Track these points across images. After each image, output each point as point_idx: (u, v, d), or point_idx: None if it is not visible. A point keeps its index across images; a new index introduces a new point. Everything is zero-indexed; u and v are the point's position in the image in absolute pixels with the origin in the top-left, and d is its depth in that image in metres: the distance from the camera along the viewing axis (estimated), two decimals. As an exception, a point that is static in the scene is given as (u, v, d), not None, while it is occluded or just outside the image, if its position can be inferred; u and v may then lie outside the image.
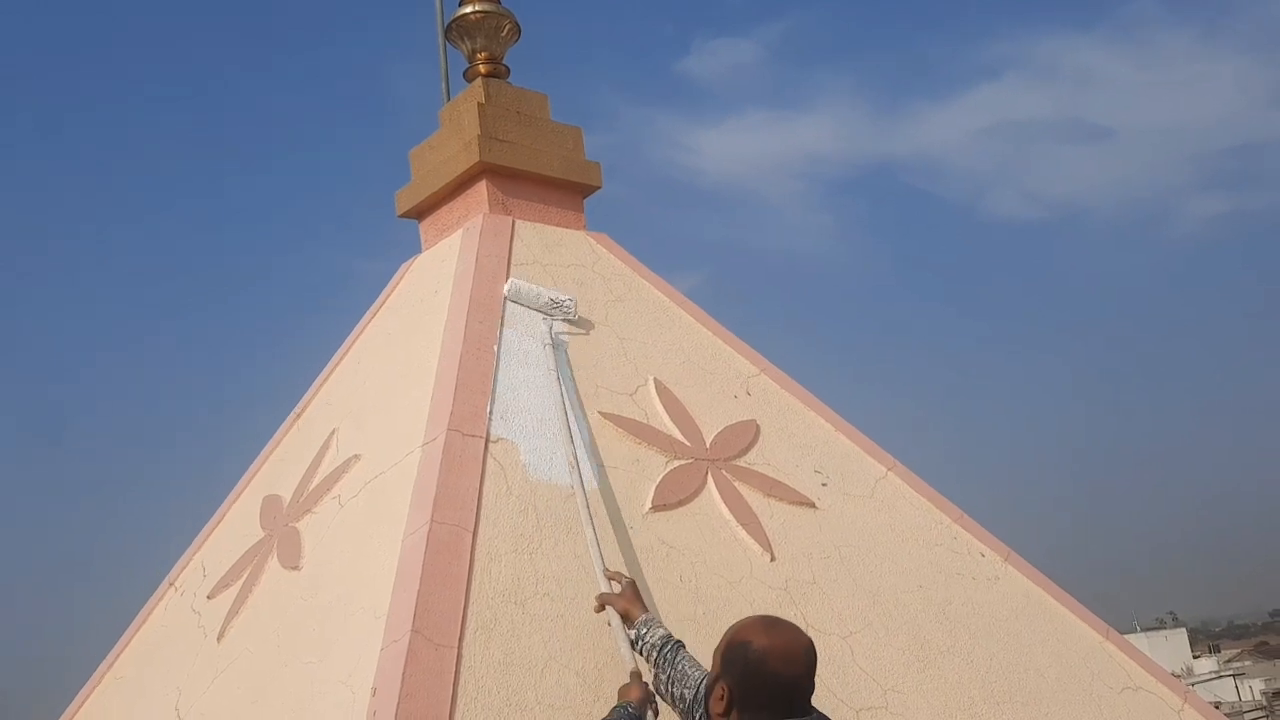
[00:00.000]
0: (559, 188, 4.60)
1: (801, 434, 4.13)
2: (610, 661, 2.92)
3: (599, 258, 4.48)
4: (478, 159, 4.35)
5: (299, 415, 4.47)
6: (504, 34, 4.65)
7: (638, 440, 3.67)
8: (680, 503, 3.55)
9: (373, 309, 4.64)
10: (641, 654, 2.71)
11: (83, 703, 4.22)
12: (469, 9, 4.60)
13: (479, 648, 2.86)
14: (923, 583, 3.78)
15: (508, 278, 4.02)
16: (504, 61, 4.70)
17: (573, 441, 3.39)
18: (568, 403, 3.54)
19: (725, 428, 3.92)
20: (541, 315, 3.90)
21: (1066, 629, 3.97)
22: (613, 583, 2.94)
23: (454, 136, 4.53)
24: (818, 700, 2.24)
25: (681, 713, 2.54)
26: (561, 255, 4.36)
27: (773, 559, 3.53)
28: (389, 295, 4.63)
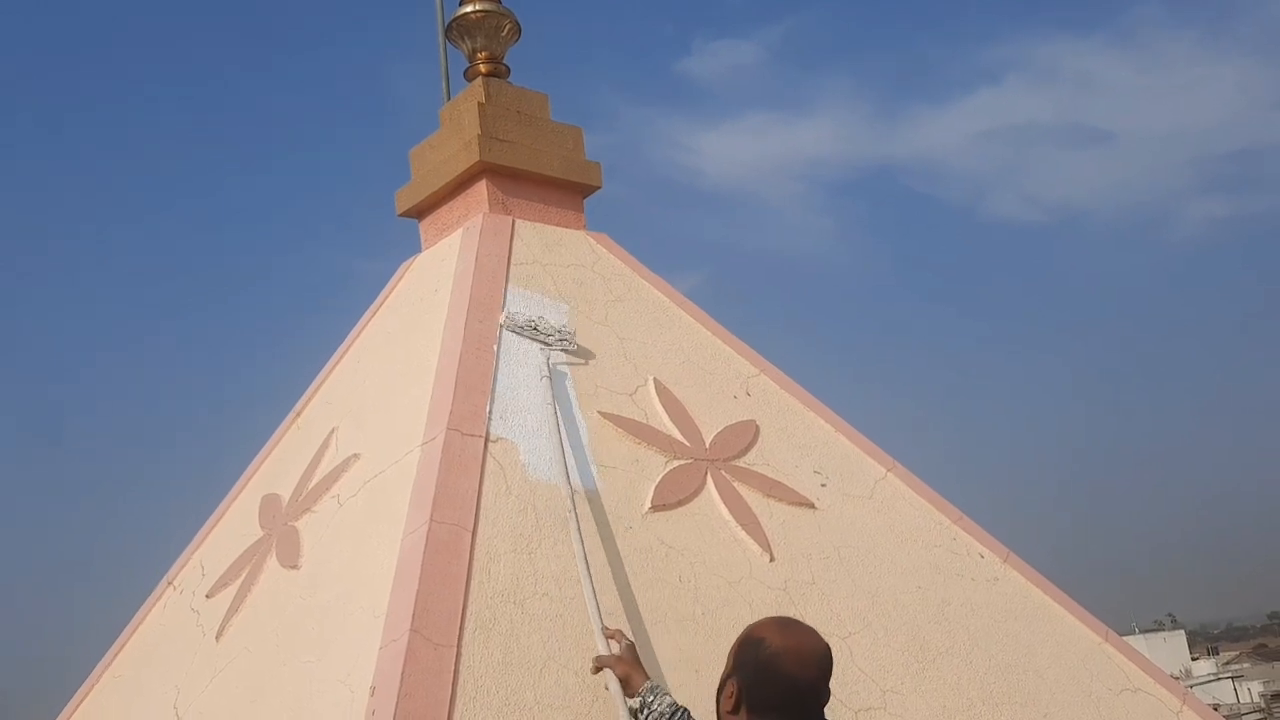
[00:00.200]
0: (559, 187, 4.60)
1: (801, 434, 4.13)
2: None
3: (599, 258, 4.48)
4: (478, 158, 4.35)
5: (298, 414, 4.47)
6: (504, 33, 4.65)
7: (637, 440, 3.67)
8: (679, 503, 3.55)
9: (372, 308, 4.64)
10: None
11: (81, 702, 4.22)
12: (469, 8, 4.60)
13: (478, 647, 2.85)
14: (922, 583, 3.78)
15: (507, 282, 4.01)
16: (504, 61, 4.70)
17: (571, 497, 3.20)
18: (567, 446, 3.37)
19: (725, 428, 3.92)
20: (539, 345, 3.77)
21: (1065, 630, 3.97)
22: (611, 642, 2.76)
23: (454, 136, 4.53)
24: (818, 701, 2.21)
25: None
26: (561, 255, 4.36)
27: (772, 559, 3.53)
28: (388, 294, 4.63)
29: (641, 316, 4.28)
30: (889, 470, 4.19)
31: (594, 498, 3.40)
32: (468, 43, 4.65)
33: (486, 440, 3.40)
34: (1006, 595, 3.96)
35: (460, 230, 4.40)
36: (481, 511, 3.18)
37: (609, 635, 2.78)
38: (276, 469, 4.26)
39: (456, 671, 2.77)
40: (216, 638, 3.64)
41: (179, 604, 4.13)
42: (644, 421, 3.77)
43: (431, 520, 3.06)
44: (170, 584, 4.34)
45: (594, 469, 3.50)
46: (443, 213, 4.63)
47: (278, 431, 4.50)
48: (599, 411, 3.70)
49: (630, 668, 2.64)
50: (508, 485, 3.31)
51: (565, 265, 4.31)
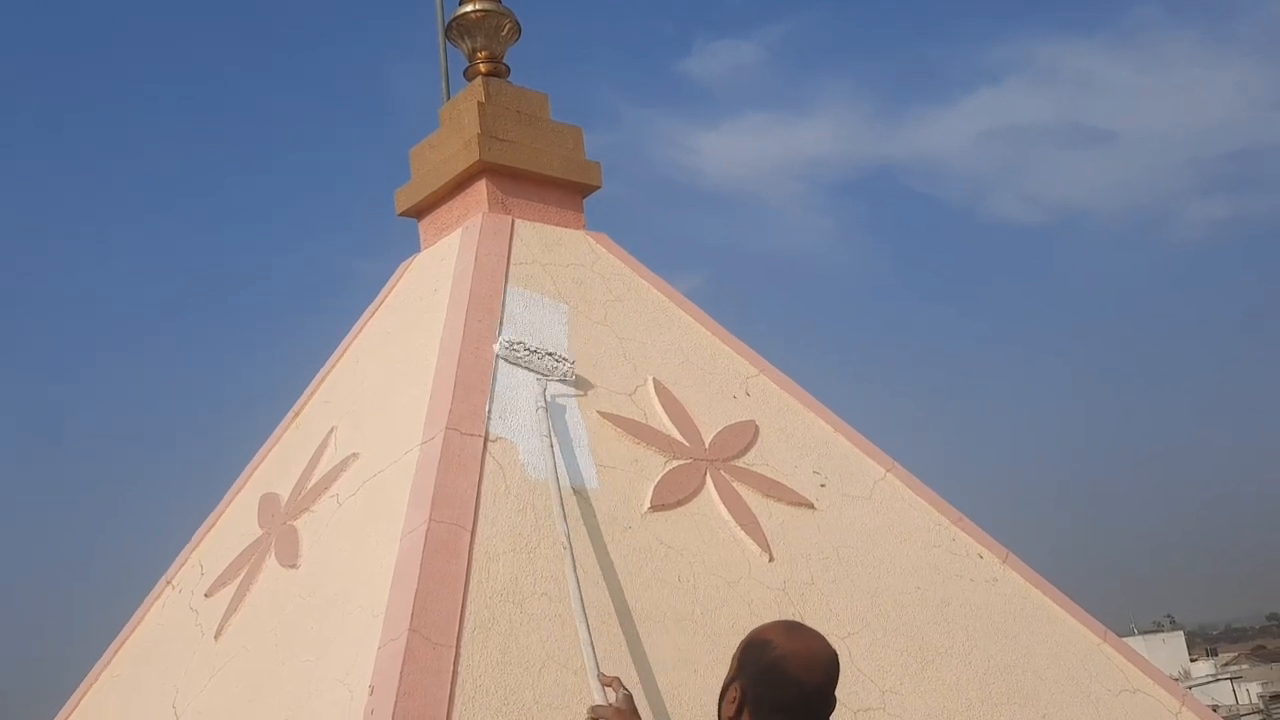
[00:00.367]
0: (559, 187, 4.60)
1: (800, 435, 4.13)
2: (609, 661, 2.92)
3: (598, 257, 4.48)
4: (477, 158, 4.35)
5: (297, 414, 4.47)
6: (504, 33, 4.65)
7: (636, 440, 3.67)
8: (679, 503, 3.55)
9: (371, 308, 4.64)
10: None
11: (80, 701, 4.22)
12: (469, 8, 4.60)
13: (477, 647, 2.85)
14: (921, 584, 3.78)
15: (506, 282, 4.01)
16: (504, 61, 4.70)
17: (565, 518, 3.11)
18: (559, 472, 3.27)
19: (724, 428, 3.92)
20: (535, 376, 3.64)
21: (1064, 631, 3.97)
22: (608, 690, 2.60)
23: (454, 135, 4.53)
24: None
25: None
26: (561, 255, 4.36)
27: (771, 560, 3.53)
28: (388, 294, 4.63)
29: (641, 316, 4.28)
30: (888, 470, 4.19)
31: (593, 497, 3.40)
32: (467, 42, 4.65)
33: (485, 440, 3.39)
34: (1006, 596, 3.96)
35: (460, 230, 4.40)
36: (480, 511, 3.18)
37: (606, 683, 2.62)
38: (275, 468, 4.26)
39: (455, 671, 2.77)
40: (215, 637, 3.64)
41: (178, 603, 4.13)
42: (643, 421, 3.76)
43: (430, 520, 3.06)
44: (169, 583, 4.34)
45: (593, 469, 3.49)
46: (442, 212, 4.62)
47: (277, 431, 4.50)
48: (598, 411, 3.70)
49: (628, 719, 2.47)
50: (507, 485, 3.31)
51: (565, 265, 4.31)
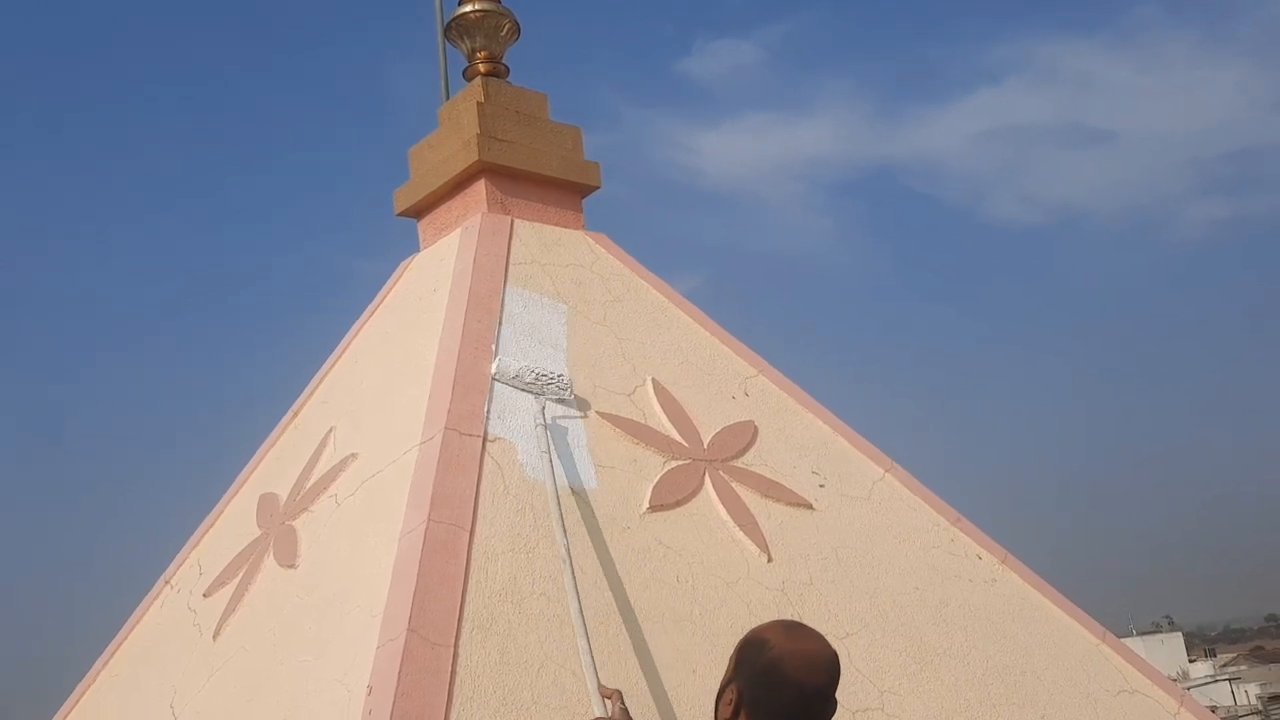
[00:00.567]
0: (558, 187, 4.60)
1: (799, 435, 4.13)
2: (608, 661, 2.92)
3: (597, 258, 4.48)
4: (476, 158, 4.34)
5: (296, 414, 4.47)
6: (503, 33, 4.65)
7: (635, 440, 3.67)
8: (678, 503, 3.55)
9: (370, 308, 4.64)
10: None
11: (78, 700, 4.21)
12: (469, 8, 4.60)
13: (475, 647, 2.85)
14: (920, 584, 3.78)
15: (505, 282, 4.01)
16: (503, 61, 4.70)
17: (565, 533, 3.10)
18: (558, 487, 3.24)
19: (723, 428, 3.92)
20: (532, 395, 3.58)
21: (1063, 632, 3.97)
22: (607, 701, 2.59)
23: (453, 135, 4.53)
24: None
25: None
26: (560, 255, 4.35)
27: (770, 560, 3.52)
28: (387, 294, 4.63)
29: (640, 317, 4.28)
30: (887, 471, 4.19)
31: (592, 498, 3.40)
32: (467, 42, 4.65)
33: (484, 440, 3.39)
34: (1004, 596, 3.96)
35: (459, 230, 4.40)
36: (479, 511, 3.18)
37: (606, 695, 2.60)
38: (274, 468, 4.26)
39: (454, 671, 2.77)
40: (213, 637, 3.64)
41: (176, 603, 4.13)
42: (642, 422, 3.76)
43: (429, 520, 3.06)
44: (168, 583, 4.33)
45: (592, 469, 3.49)
46: (441, 212, 4.62)
47: (275, 431, 4.50)
48: (597, 412, 3.70)
49: None
50: (505, 485, 3.30)
51: (564, 265, 4.31)
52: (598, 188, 4.71)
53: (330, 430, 4.03)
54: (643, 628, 3.12)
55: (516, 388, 3.59)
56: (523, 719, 2.78)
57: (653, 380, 3.96)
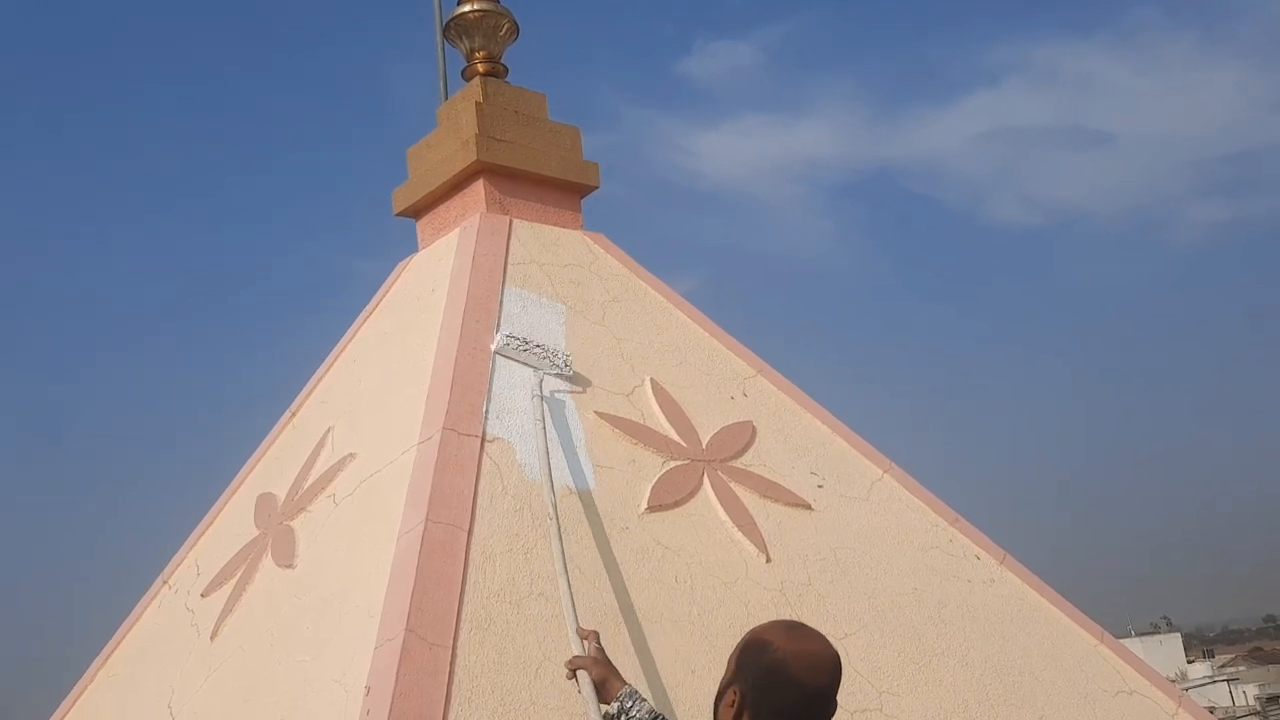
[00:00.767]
0: (557, 187, 4.60)
1: (798, 435, 4.13)
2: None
3: (596, 258, 4.48)
4: (475, 158, 4.34)
5: (294, 414, 4.46)
6: (502, 33, 4.65)
7: (634, 440, 3.67)
8: (676, 504, 3.55)
9: (369, 308, 4.64)
10: None
11: (76, 700, 4.21)
12: (467, 8, 4.59)
13: (473, 647, 2.85)
14: (918, 585, 3.78)
15: (504, 282, 4.01)
16: (502, 61, 4.69)
17: (554, 494, 3.16)
18: (550, 455, 3.30)
19: (722, 429, 3.92)
20: (531, 369, 3.65)
21: (1061, 632, 3.97)
22: (585, 642, 2.61)
23: (452, 135, 4.52)
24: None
25: None
26: (559, 255, 4.35)
27: (768, 560, 3.52)
28: (385, 294, 4.63)
29: (639, 317, 4.27)
30: (885, 471, 4.18)
31: (590, 498, 3.40)
32: (466, 42, 4.64)
33: (483, 440, 3.39)
34: (1003, 597, 3.96)
35: (457, 230, 4.39)
36: (477, 511, 3.17)
37: (584, 636, 2.64)
38: (272, 468, 4.26)
39: (452, 671, 2.77)
40: (211, 637, 3.64)
41: (174, 603, 4.12)
42: (641, 422, 3.76)
43: (427, 520, 3.05)
44: (165, 583, 4.33)
45: (591, 469, 3.49)
46: (440, 212, 4.62)
47: (273, 431, 4.50)
48: (596, 412, 3.69)
49: (607, 671, 2.48)
50: (504, 485, 3.30)
51: (562, 265, 4.31)
52: (597, 188, 4.71)
53: (328, 430, 4.02)
54: (641, 628, 3.12)
55: (516, 360, 3.65)
56: (521, 719, 2.78)
57: (651, 380, 3.96)
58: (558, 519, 3.07)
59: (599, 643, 2.59)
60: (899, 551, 3.87)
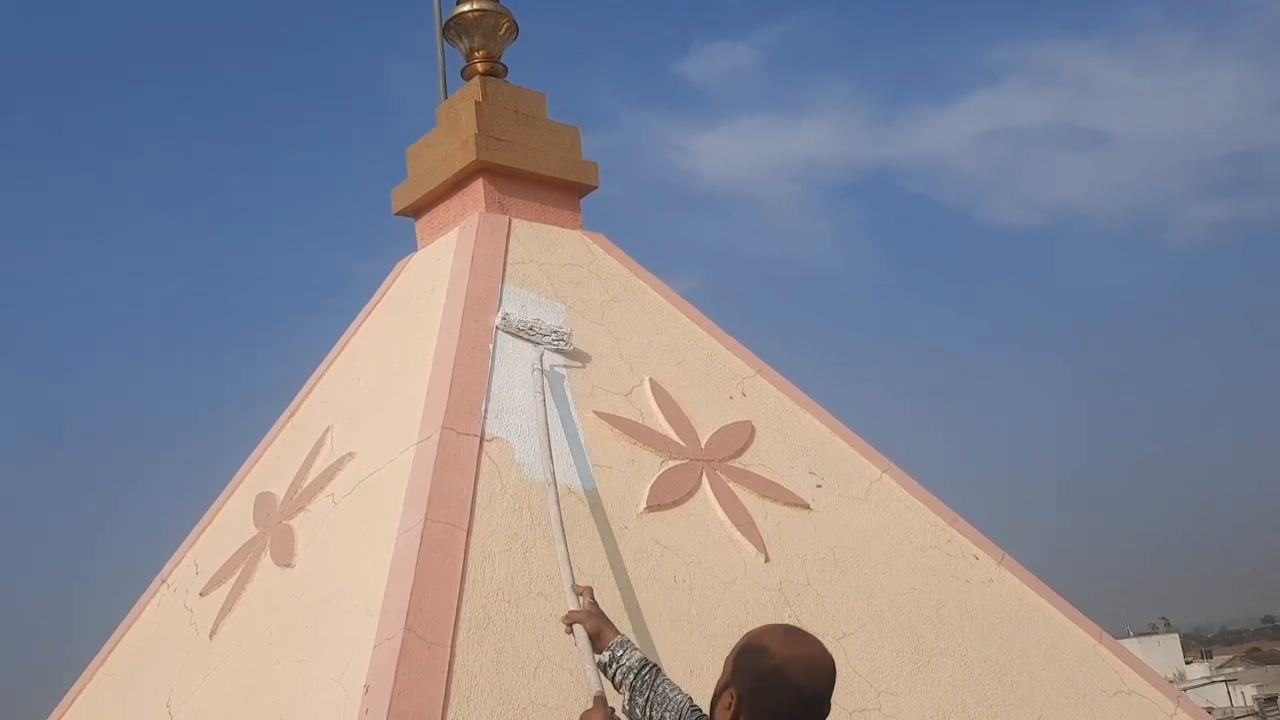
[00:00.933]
0: (556, 187, 4.60)
1: (797, 435, 4.13)
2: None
3: (595, 257, 4.48)
4: (475, 157, 4.34)
5: (293, 413, 4.46)
6: (502, 33, 4.65)
7: (633, 440, 3.67)
8: (675, 503, 3.55)
9: (368, 307, 4.63)
10: (615, 678, 2.49)
11: (75, 699, 4.21)
12: (467, 7, 4.59)
13: (472, 646, 2.85)
14: (917, 585, 3.78)
15: (503, 281, 4.01)
16: (502, 60, 4.69)
17: (551, 458, 3.25)
18: (549, 425, 3.39)
19: (720, 428, 3.92)
20: (532, 344, 3.75)
21: (1060, 632, 3.97)
22: (580, 598, 2.73)
23: (451, 135, 4.52)
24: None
25: None
26: (558, 255, 4.35)
27: (767, 560, 3.52)
28: (384, 293, 4.63)
29: (638, 317, 4.28)
30: (884, 472, 4.19)
31: (589, 497, 3.40)
32: (465, 42, 4.64)
33: (482, 439, 3.39)
34: (1001, 597, 3.96)
35: (456, 229, 4.39)
36: (476, 511, 3.17)
37: (579, 592, 2.76)
38: (271, 467, 4.26)
39: (450, 671, 2.77)
40: (210, 636, 3.63)
41: (173, 602, 4.12)
42: (640, 422, 3.76)
43: (426, 519, 3.05)
44: (164, 582, 4.33)
45: (590, 469, 3.49)
46: (439, 211, 4.62)
47: (273, 430, 4.50)
48: (595, 411, 3.69)
49: (601, 623, 2.61)
50: (503, 485, 3.30)
51: (561, 265, 4.31)
52: (596, 188, 4.71)
53: (327, 429, 4.02)
54: (640, 627, 3.12)
55: (518, 337, 3.75)
56: (519, 719, 2.78)
57: (650, 380, 3.96)
58: (555, 486, 3.16)
59: (593, 597, 2.72)
60: (897, 551, 3.87)
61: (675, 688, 2.43)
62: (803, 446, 4.09)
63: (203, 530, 4.39)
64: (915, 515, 4.08)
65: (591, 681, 2.52)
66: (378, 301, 4.62)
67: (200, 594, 3.93)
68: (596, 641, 2.57)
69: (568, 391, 3.72)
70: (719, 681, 2.09)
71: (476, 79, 4.57)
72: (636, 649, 2.52)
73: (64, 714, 4.18)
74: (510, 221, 4.35)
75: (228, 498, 4.41)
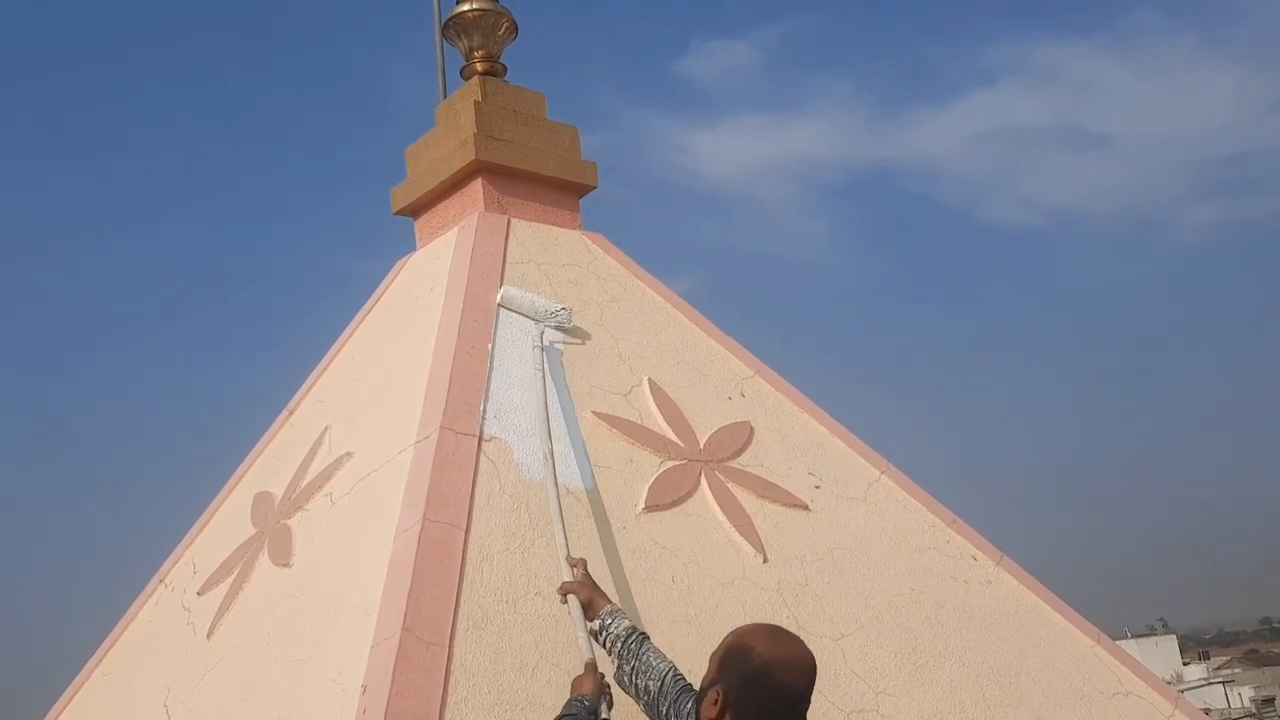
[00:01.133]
0: (555, 187, 4.59)
1: (795, 436, 4.13)
2: (603, 661, 2.91)
3: (594, 257, 4.47)
4: (474, 157, 4.34)
5: (291, 412, 4.46)
6: (501, 32, 4.65)
7: (631, 440, 3.67)
8: (673, 504, 3.55)
9: (366, 306, 4.63)
10: (605, 645, 2.63)
11: (71, 699, 4.20)
12: (466, 6, 4.59)
13: (470, 646, 2.85)
14: (915, 586, 3.78)
15: (501, 281, 4.00)
16: (501, 60, 4.69)
17: (550, 437, 3.32)
18: (548, 400, 3.46)
19: (719, 429, 3.92)
20: (533, 321, 3.81)
21: (1058, 634, 3.97)
22: (574, 569, 2.86)
23: (450, 134, 4.52)
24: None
25: (645, 705, 2.46)
26: (557, 255, 4.35)
27: (765, 561, 3.52)
28: (383, 293, 4.62)
29: (636, 317, 4.27)
30: (883, 472, 4.19)
31: (588, 497, 3.40)
32: (464, 41, 4.64)
33: (480, 439, 3.39)
34: (1000, 598, 3.96)
35: (455, 229, 4.39)
36: (474, 511, 3.17)
37: (573, 563, 2.88)
38: (269, 467, 4.25)
39: (448, 671, 2.77)
40: (208, 635, 3.63)
41: (170, 601, 4.12)
42: (638, 422, 3.76)
43: (424, 519, 3.05)
44: (162, 581, 4.32)
45: (588, 469, 3.49)
46: (438, 211, 4.62)
47: (271, 429, 4.49)
48: (593, 411, 3.69)
49: (593, 592, 2.75)
50: (501, 485, 3.30)
51: (560, 265, 4.30)
52: (595, 188, 4.70)
53: (326, 429, 4.02)
54: (639, 628, 3.11)
55: (519, 314, 3.83)
56: (517, 719, 2.77)
57: (649, 380, 3.95)
58: (553, 460, 3.22)
59: (585, 569, 2.86)
60: (896, 552, 3.87)
61: (660, 656, 2.53)
62: (801, 447, 4.09)
63: (200, 529, 4.38)
64: (914, 516, 4.08)
65: (583, 649, 2.65)
66: (376, 301, 4.61)
67: (198, 593, 3.92)
68: (589, 610, 2.71)
69: (566, 391, 3.72)
70: (704, 679, 2.17)
71: (476, 79, 4.57)
72: (625, 618, 2.65)
73: (61, 713, 4.18)
74: (509, 221, 4.34)
75: (225, 497, 4.41)
